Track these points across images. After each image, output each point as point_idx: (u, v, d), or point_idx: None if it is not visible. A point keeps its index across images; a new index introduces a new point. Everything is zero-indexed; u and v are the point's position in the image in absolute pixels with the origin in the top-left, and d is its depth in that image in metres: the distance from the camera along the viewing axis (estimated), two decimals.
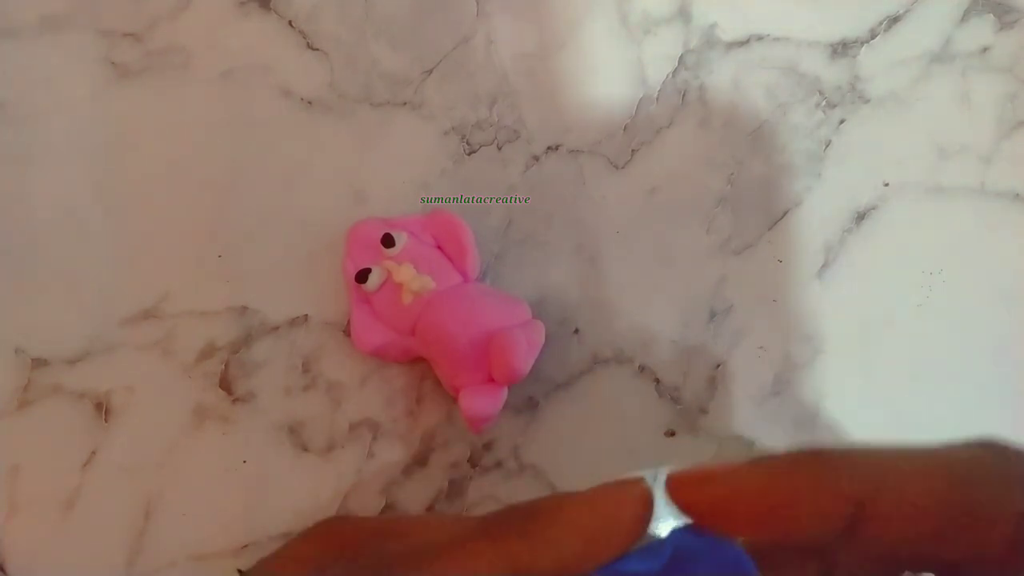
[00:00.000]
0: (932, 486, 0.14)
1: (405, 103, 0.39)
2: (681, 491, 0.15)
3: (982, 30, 0.41)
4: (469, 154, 0.38)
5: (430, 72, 0.39)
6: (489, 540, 0.15)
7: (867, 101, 0.40)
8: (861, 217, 0.39)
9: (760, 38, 0.40)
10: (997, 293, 0.39)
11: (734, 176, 0.39)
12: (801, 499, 0.15)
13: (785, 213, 0.39)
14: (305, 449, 0.35)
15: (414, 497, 0.35)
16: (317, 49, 0.39)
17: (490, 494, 0.36)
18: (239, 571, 0.20)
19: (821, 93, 0.40)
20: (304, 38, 0.39)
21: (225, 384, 0.36)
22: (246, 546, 0.34)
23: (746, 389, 0.37)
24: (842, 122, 0.40)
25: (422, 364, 0.35)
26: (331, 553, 0.17)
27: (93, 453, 0.35)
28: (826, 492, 0.14)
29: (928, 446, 0.15)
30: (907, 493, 0.14)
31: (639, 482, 0.16)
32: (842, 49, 0.40)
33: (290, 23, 0.39)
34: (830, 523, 0.14)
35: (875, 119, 0.40)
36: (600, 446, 0.36)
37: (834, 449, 0.15)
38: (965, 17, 0.41)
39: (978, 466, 0.14)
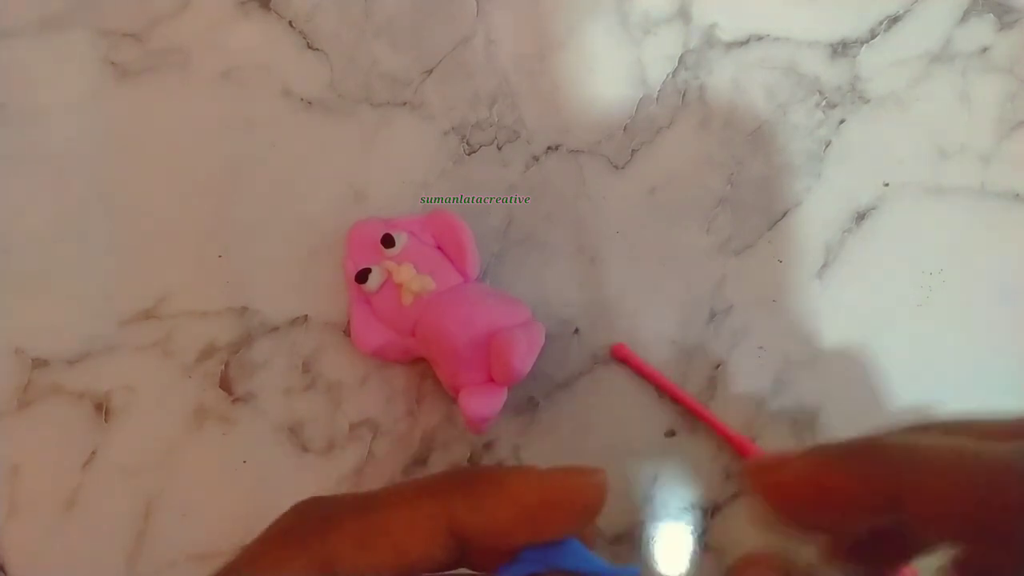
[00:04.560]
0: (967, 488, 0.15)
1: (405, 103, 0.39)
2: (758, 475, 0.18)
3: (982, 30, 0.41)
4: (469, 154, 0.38)
5: (430, 72, 0.39)
6: (431, 496, 0.16)
7: (867, 101, 0.40)
8: (861, 217, 0.39)
9: (760, 38, 0.40)
10: (997, 293, 0.39)
11: (734, 176, 0.39)
12: (843, 491, 0.17)
13: (785, 213, 0.39)
14: (305, 449, 0.35)
15: None
16: (317, 49, 0.39)
17: None
18: None
19: (821, 93, 0.40)
20: (304, 38, 0.39)
21: (225, 384, 0.36)
22: None
23: (746, 389, 0.37)
24: (842, 122, 0.40)
25: (422, 364, 0.35)
26: (320, 562, 0.16)
27: (93, 453, 0.35)
28: (865, 486, 0.16)
29: (990, 421, 0.17)
30: (943, 493, 0.15)
31: (597, 473, 0.17)
32: (842, 49, 0.40)
33: (290, 23, 0.39)
34: (870, 515, 0.17)
35: (875, 119, 0.40)
36: (600, 446, 0.36)
37: (878, 441, 0.17)
38: (965, 17, 0.41)
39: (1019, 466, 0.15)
